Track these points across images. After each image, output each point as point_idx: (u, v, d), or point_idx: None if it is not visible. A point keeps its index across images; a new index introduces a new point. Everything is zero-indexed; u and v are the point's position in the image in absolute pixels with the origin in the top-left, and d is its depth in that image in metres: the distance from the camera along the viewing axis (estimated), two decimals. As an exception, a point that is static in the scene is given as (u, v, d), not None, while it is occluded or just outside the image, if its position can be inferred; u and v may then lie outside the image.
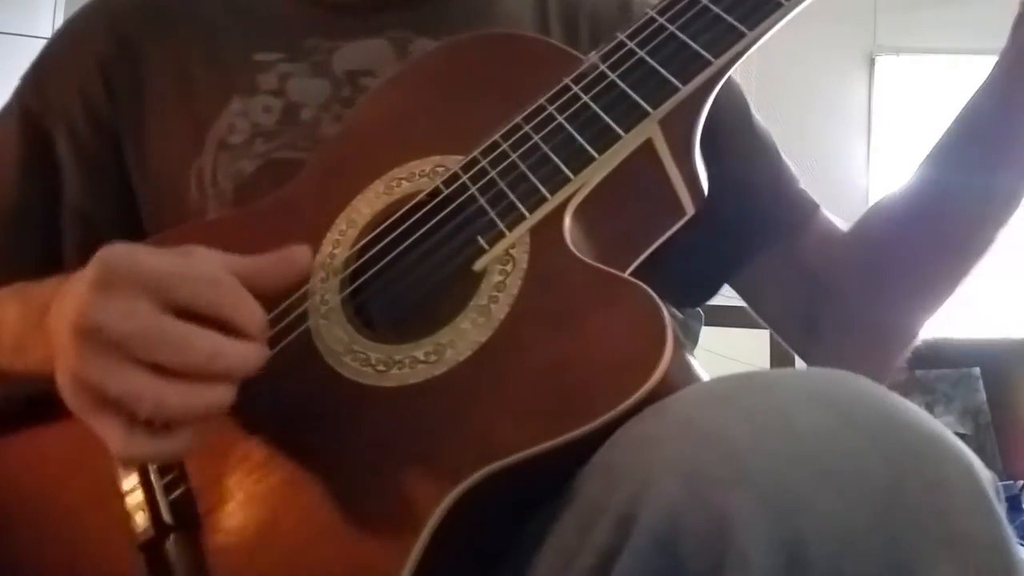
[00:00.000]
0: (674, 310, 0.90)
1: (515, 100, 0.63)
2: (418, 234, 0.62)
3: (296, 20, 0.79)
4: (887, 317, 0.82)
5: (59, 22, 3.00)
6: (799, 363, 2.52)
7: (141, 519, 0.58)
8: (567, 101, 0.62)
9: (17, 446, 0.68)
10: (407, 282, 0.62)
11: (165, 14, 0.81)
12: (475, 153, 0.62)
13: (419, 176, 0.64)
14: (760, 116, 0.87)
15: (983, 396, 2.00)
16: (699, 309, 0.94)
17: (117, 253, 0.53)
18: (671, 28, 0.61)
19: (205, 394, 0.51)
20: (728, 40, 0.60)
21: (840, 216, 0.89)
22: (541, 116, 0.62)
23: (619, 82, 0.61)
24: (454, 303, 0.57)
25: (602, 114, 0.60)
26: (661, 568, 0.42)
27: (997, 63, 0.73)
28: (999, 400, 2.00)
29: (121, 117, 0.78)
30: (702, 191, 0.62)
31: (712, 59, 0.60)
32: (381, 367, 0.57)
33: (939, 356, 2.05)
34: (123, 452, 0.51)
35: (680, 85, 0.60)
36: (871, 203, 0.90)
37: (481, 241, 0.59)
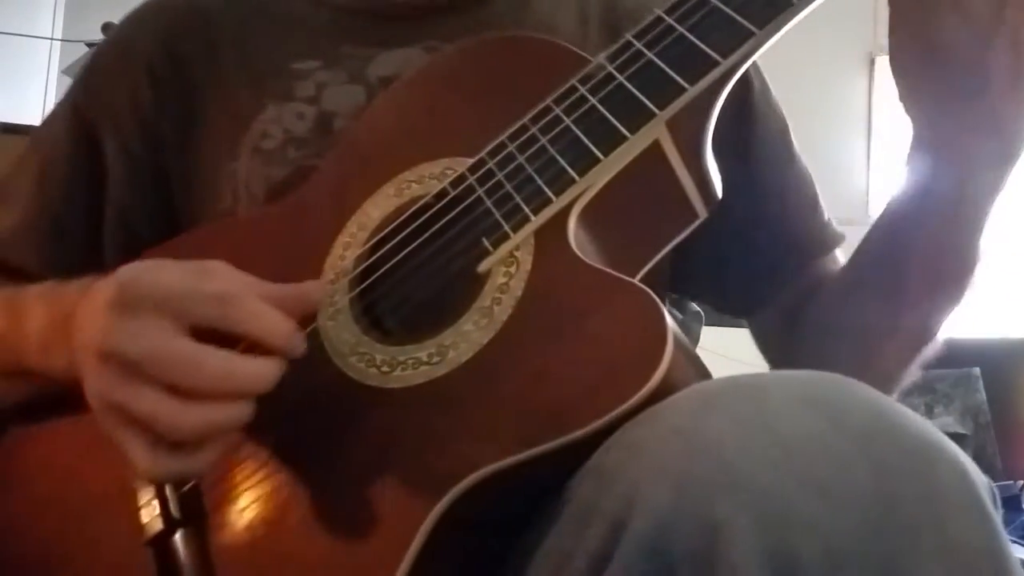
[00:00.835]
0: (674, 311, 0.90)
1: (524, 102, 0.63)
2: (425, 236, 0.62)
3: (334, 29, 0.80)
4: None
5: (59, 22, 3.01)
6: (799, 363, 2.49)
7: (151, 514, 0.58)
8: (574, 102, 0.61)
9: (38, 440, 0.70)
10: (414, 283, 0.62)
11: (211, 22, 0.82)
12: (482, 154, 0.62)
13: (428, 178, 0.65)
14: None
15: (983, 396, 2.00)
16: (699, 309, 0.94)
17: (134, 273, 0.55)
18: (680, 28, 0.60)
19: (219, 413, 0.52)
20: (737, 40, 0.59)
21: (840, 216, 0.88)
22: (548, 117, 0.62)
23: (626, 83, 0.61)
24: (459, 304, 0.57)
25: (608, 115, 0.59)
26: (650, 574, 0.42)
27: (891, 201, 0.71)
28: (999, 400, 2.00)
29: (167, 122, 0.80)
30: (715, 194, 0.62)
31: (720, 59, 0.59)
32: (385, 368, 0.57)
33: (939, 356, 2.05)
34: (145, 471, 0.53)
35: (687, 86, 0.59)
36: (871, 203, 0.90)
37: (486, 243, 0.59)
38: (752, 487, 0.41)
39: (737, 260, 0.81)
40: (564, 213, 0.58)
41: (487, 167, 0.62)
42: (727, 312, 0.88)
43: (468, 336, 0.55)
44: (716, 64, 0.59)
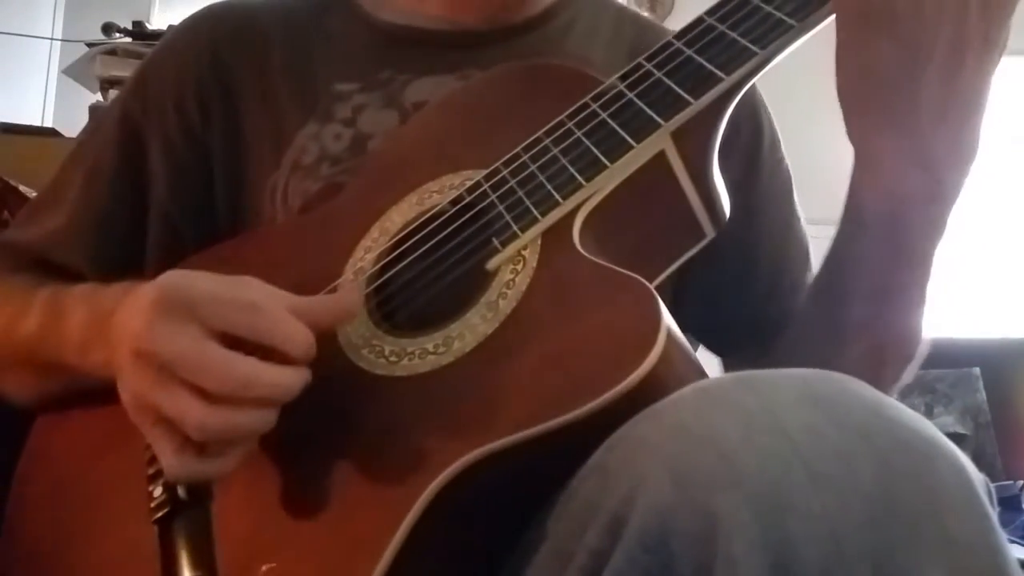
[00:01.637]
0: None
1: (542, 120, 0.66)
2: (440, 237, 0.65)
3: (377, 53, 0.83)
4: None
5: (59, 22, 3.01)
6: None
7: (159, 495, 0.60)
8: (586, 117, 0.65)
9: (65, 424, 0.74)
10: (427, 280, 0.64)
11: (263, 36, 0.84)
12: (497, 164, 0.66)
13: (449, 188, 0.68)
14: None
15: (983, 396, 2.00)
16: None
17: (173, 280, 0.58)
18: (688, 52, 0.64)
19: (244, 418, 0.54)
20: (740, 59, 0.62)
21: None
22: (561, 131, 0.65)
23: (636, 100, 0.64)
24: (468, 299, 0.60)
25: (617, 128, 0.63)
26: (651, 568, 0.42)
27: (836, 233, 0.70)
28: (999, 400, 2.00)
29: (213, 133, 0.82)
30: (722, 212, 0.65)
31: (724, 76, 0.62)
32: (393, 358, 0.60)
33: (939, 356, 2.05)
34: (171, 470, 0.55)
35: (692, 100, 0.62)
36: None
37: (496, 242, 0.62)
38: (752, 480, 0.41)
39: (726, 307, 0.83)
40: (571, 216, 0.60)
41: (501, 175, 0.65)
42: (705, 346, 0.88)
43: (474, 328, 0.58)
44: (720, 80, 0.62)
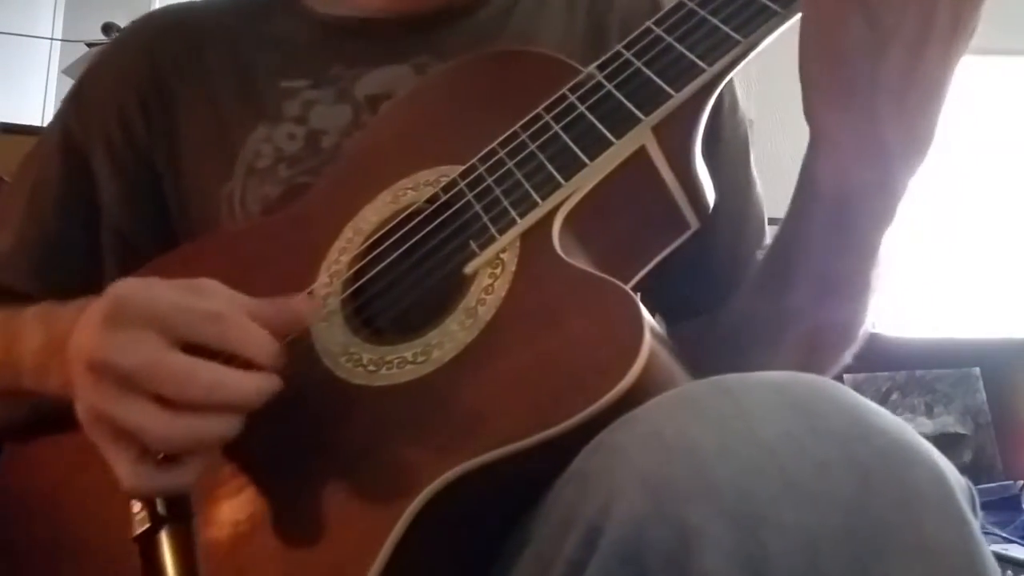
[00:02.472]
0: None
1: (518, 111, 0.64)
2: (416, 239, 0.63)
3: (322, 48, 0.81)
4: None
5: (59, 22, 3.01)
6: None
7: (138, 511, 0.59)
8: (563, 110, 0.62)
9: (37, 452, 0.71)
10: (404, 285, 0.63)
11: (197, 39, 0.83)
12: (473, 161, 0.63)
13: (424, 185, 0.66)
14: (760, 116, 0.87)
15: (983, 396, 2.00)
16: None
17: (126, 289, 0.56)
18: (668, 39, 0.61)
19: (209, 426, 0.53)
20: (723, 48, 0.60)
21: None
22: (538, 125, 0.63)
23: (614, 91, 0.62)
24: (447, 305, 0.58)
25: (596, 122, 0.60)
26: None
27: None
28: (999, 400, 2.00)
29: (157, 141, 0.80)
30: (706, 203, 0.63)
31: (705, 67, 0.60)
32: (372, 367, 0.58)
33: (939, 356, 2.05)
34: (128, 484, 0.53)
35: (673, 92, 0.60)
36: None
37: (473, 245, 0.60)
38: (726, 492, 0.41)
39: (683, 275, 0.80)
40: (550, 217, 0.59)
41: (478, 172, 0.63)
42: (659, 312, 0.87)
43: (453, 336, 0.56)
44: (701, 71, 0.60)
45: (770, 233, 0.81)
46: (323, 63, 0.80)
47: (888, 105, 0.58)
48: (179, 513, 0.57)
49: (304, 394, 0.58)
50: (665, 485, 0.42)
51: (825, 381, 0.46)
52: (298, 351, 0.59)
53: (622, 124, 0.60)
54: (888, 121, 0.59)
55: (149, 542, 0.57)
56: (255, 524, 0.57)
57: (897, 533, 0.40)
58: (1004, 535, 1.57)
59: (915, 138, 0.61)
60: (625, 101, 0.61)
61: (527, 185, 0.60)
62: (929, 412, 2.00)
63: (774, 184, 0.88)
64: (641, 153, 0.60)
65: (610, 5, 0.83)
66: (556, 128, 0.62)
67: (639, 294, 0.56)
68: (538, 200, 0.59)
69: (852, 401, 0.45)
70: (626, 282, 0.60)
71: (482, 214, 0.61)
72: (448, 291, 0.59)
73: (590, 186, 0.59)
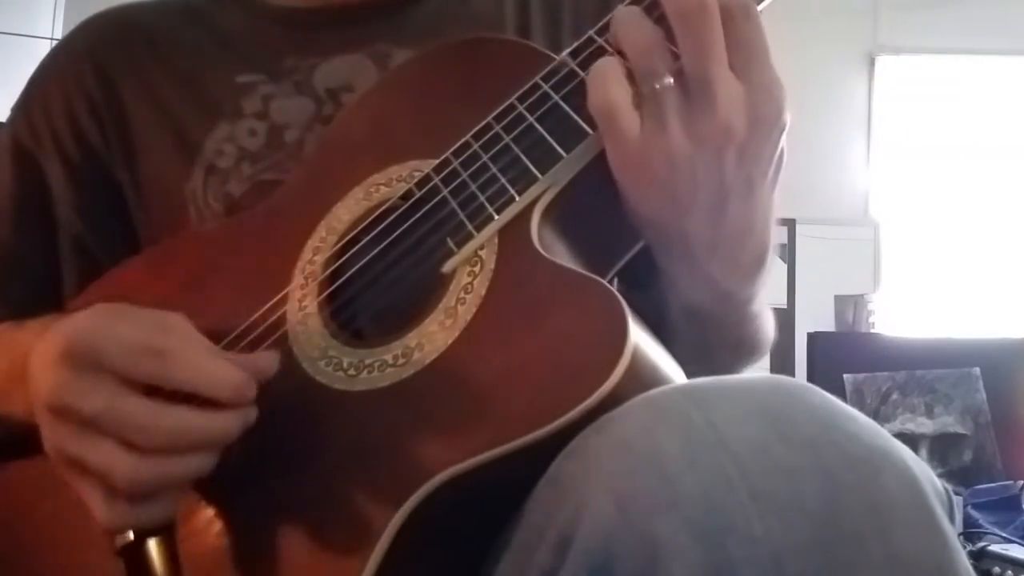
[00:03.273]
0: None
1: (492, 101, 0.62)
2: (392, 237, 0.62)
3: (275, 41, 0.79)
4: None
5: (59, 22, 3.01)
6: (798, 361, 2.51)
7: None
8: (537, 100, 0.60)
9: (8, 471, 0.69)
10: (382, 285, 0.62)
11: (145, 41, 0.81)
12: (447, 155, 0.62)
13: (397, 181, 0.64)
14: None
15: (983, 396, 2.00)
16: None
17: (81, 329, 0.54)
18: (649, 21, 0.58)
19: (177, 466, 0.52)
20: None
21: (840, 216, 0.88)
22: (511, 116, 0.61)
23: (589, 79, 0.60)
24: (426, 305, 0.57)
25: (571, 112, 0.58)
26: None
27: None
28: (999, 400, 2.00)
29: (112, 147, 0.79)
30: None
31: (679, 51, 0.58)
32: (352, 371, 0.57)
33: (939, 356, 2.05)
34: (104, 521, 0.53)
35: None
36: (871, 203, 0.90)
37: (451, 243, 0.59)
38: (692, 502, 0.40)
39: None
40: (527, 212, 0.57)
41: (452, 167, 0.61)
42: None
43: (433, 337, 0.55)
44: (678, 59, 0.57)
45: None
46: (276, 55, 0.78)
47: (704, 251, 0.59)
48: (163, 524, 0.56)
49: (284, 400, 0.57)
50: (632, 496, 0.41)
51: (800, 385, 0.45)
52: (276, 356, 0.58)
53: None
54: (709, 262, 0.60)
55: (135, 555, 0.56)
56: (239, 534, 0.56)
57: (866, 544, 0.40)
58: (1004, 535, 1.57)
59: (739, 265, 0.62)
60: None
61: (503, 180, 0.59)
62: (929, 412, 2.00)
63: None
64: None
65: None
66: (531, 119, 0.60)
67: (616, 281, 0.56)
68: (515, 196, 0.58)
69: (825, 406, 0.44)
70: (609, 270, 0.60)
71: (458, 210, 0.59)
72: (427, 290, 0.58)
73: (568, 178, 0.58)
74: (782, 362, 2.89)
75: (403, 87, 0.72)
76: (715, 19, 0.53)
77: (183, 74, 0.79)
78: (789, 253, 3.27)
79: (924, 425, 1.99)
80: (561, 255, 0.57)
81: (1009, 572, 1.43)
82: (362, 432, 0.55)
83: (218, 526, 0.57)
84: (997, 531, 1.59)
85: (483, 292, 0.56)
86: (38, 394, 0.54)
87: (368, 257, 0.62)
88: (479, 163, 0.60)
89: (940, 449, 1.97)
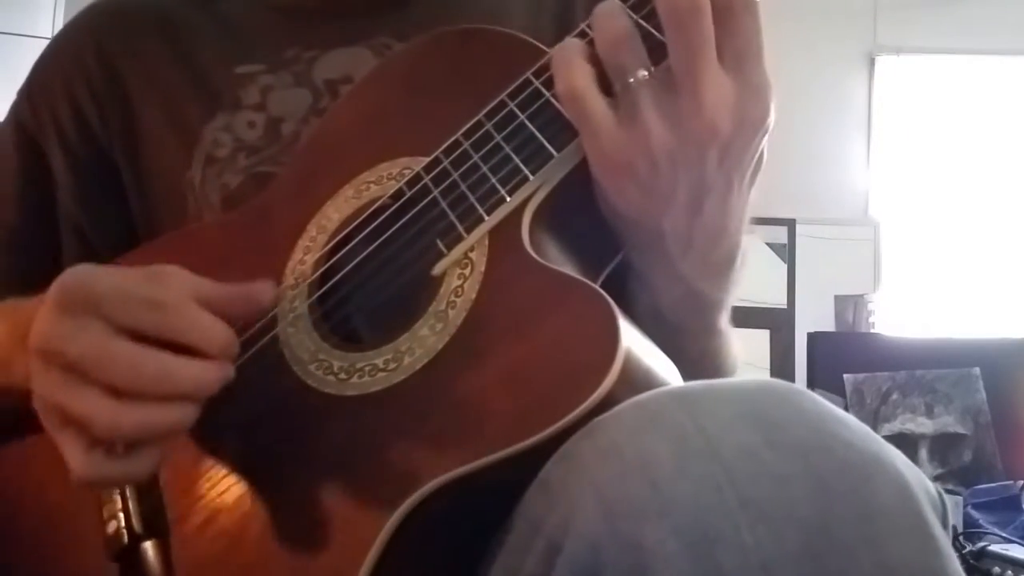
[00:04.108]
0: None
1: (482, 96, 0.61)
2: (382, 238, 0.61)
3: (277, 31, 0.79)
4: None
5: (59, 22, 3.00)
6: (798, 362, 2.51)
7: (114, 528, 0.58)
8: (528, 97, 0.60)
9: (5, 453, 0.69)
10: (372, 287, 0.61)
11: (150, 25, 0.81)
12: (437, 153, 0.61)
13: (387, 179, 0.64)
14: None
15: (983, 396, 2.00)
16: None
17: (73, 277, 0.55)
18: (634, 16, 0.58)
19: (159, 415, 0.51)
20: None
21: (840, 216, 0.88)
22: (502, 113, 0.60)
23: None
24: (416, 308, 0.57)
25: (562, 109, 0.58)
26: None
27: None
28: (999, 400, 2.00)
29: (113, 134, 0.79)
30: None
31: None
32: (343, 375, 0.57)
33: (939, 356, 2.05)
34: (79, 473, 0.52)
35: None
36: (871, 203, 0.90)
37: (440, 245, 0.58)
38: (681, 509, 0.40)
39: None
40: (518, 212, 0.57)
41: (442, 166, 0.61)
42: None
43: (424, 341, 0.55)
44: (667, 55, 0.57)
45: (768, 232, 0.81)
46: (278, 46, 0.78)
47: (679, 248, 0.59)
48: (156, 528, 0.56)
49: (275, 403, 0.57)
50: (621, 503, 0.41)
51: (792, 389, 0.45)
52: (266, 358, 0.59)
53: None
54: (683, 259, 0.60)
55: (130, 559, 0.56)
56: (235, 536, 0.56)
57: (857, 552, 0.39)
58: (1004, 535, 1.57)
59: (711, 265, 0.62)
60: None
61: (493, 180, 0.58)
62: (929, 412, 2.00)
63: (772, 183, 0.88)
64: None
65: None
66: (522, 117, 0.59)
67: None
68: (506, 196, 0.57)
69: (816, 411, 0.43)
70: (601, 272, 0.60)
71: (448, 211, 0.59)
72: (417, 293, 0.58)
73: (559, 178, 0.57)
74: (782, 362, 2.89)
75: (392, 80, 0.71)
76: (707, 17, 0.53)
77: (186, 60, 0.79)
78: (789, 253, 3.27)
79: (924, 425, 1.99)
80: (552, 256, 0.56)
81: (1009, 572, 1.43)
82: (353, 437, 0.55)
83: (210, 530, 0.57)
84: (997, 531, 1.59)
85: (473, 296, 0.55)
86: (31, 342, 0.54)
87: (358, 258, 0.61)
88: (469, 162, 0.59)
89: (940, 449, 1.97)
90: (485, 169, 0.59)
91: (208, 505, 0.57)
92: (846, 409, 1.25)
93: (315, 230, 0.64)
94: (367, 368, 0.56)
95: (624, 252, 0.62)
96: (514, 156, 0.58)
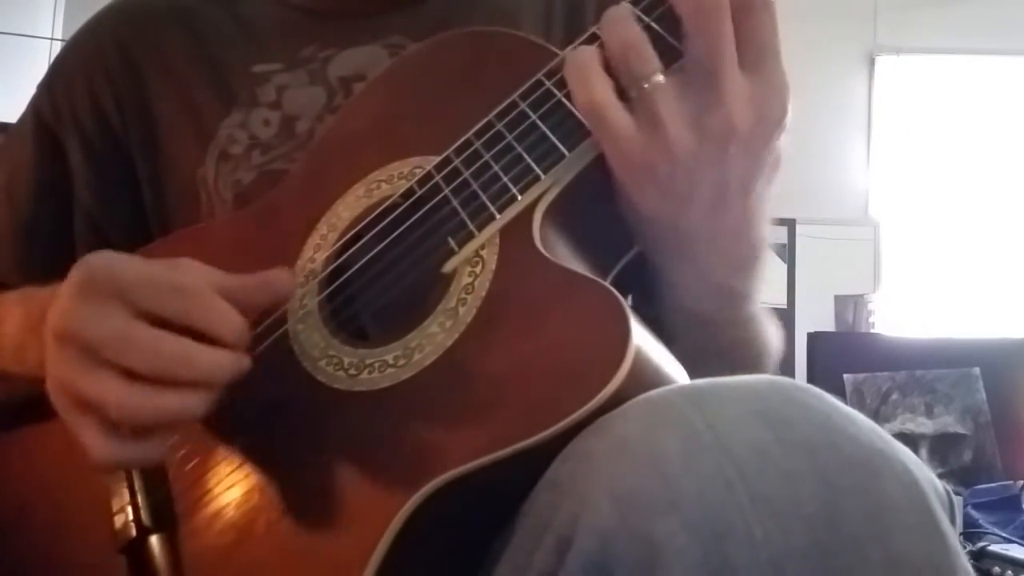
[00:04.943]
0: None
1: (494, 96, 0.62)
2: (393, 236, 0.62)
3: (294, 31, 0.80)
4: None
5: (59, 22, 3.01)
6: (798, 362, 2.50)
7: (122, 521, 0.58)
8: (539, 98, 0.60)
9: (14, 444, 0.69)
10: (382, 284, 0.62)
11: (166, 29, 0.82)
12: (448, 152, 0.61)
13: (398, 178, 0.64)
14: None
15: (983, 396, 2.00)
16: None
17: (97, 261, 0.55)
18: (646, 19, 0.58)
19: (174, 400, 0.52)
20: None
21: (840, 216, 0.88)
22: (514, 113, 0.60)
23: None
24: (427, 305, 0.57)
25: (574, 110, 0.58)
26: None
27: None
28: (999, 400, 2.00)
29: (130, 128, 0.80)
30: None
31: (684, 50, 0.57)
32: (352, 371, 0.57)
33: (939, 356, 2.05)
34: (94, 455, 0.52)
35: None
36: (871, 203, 0.90)
37: (451, 242, 0.58)
38: (691, 504, 0.40)
39: None
40: (529, 211, 0.57)
41: (453, 165, 0.61)
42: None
43: (434, 338, 0.55)
44: (680, 56, 0.57)
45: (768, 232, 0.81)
46: (295, 45, 0.79)
47: (704, 244, 0.60)
48: (164, 521, 0.57)
49: (285, 398, 0.57)
50: (631, 497, 0.41)
51: (799, 386, 0.45)
52: (277, 354, 0.59)
53: None
54: (708, 255, 0.60)
55: (137, 552, 0.56)
56: (243, 530, 0.56)
57: (865, 547, 0.39)
58: (1004, 535, 1.57)
59: (736, 260, 0.62)
60: None
61: (505, 178, 0.58)
62: (929, 412, 2.00)
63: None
64: None
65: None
66: (533, 117, 0.59)
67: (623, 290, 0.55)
68: (517, 195, 0.57)
69: (824, 408, 0.44)
70: (611, 270, 0.60)
71: (459, 209, 0.59)
72: (427, 290, 0.58)
73: (570, 177, 0.57)
74: (782, 362, 2.89)
75: (404, 81, 0.72)
76: (728, 15, 0.53)
77: (204, 58, 0.80)
78: (789, 253, 3.27)
79: (924, 425, 1.99)
80: (563, 255, 0.56)
81: (1009, 572, 1.43)
82: (362, 433, 0.55)
83: (219, 524, 0.57)
84: (997, 531, 1.59)
85: (483, 293, 0.55)
86: (50, 324, 0.54)
87: (369, 256, 0.62)
88: (481, 162, 0.60)
89: (940, 449, 1.97)
90: (496, 168, 0.59)
91: (216, 499, 0.57)
92: (846, 409, 1.25)
93: (326, 228, 0.65)
94: (377, 364, 0.56)
95: (646, 251, 0.62)
96: (525, 155, 0.58)
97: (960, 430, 1.98)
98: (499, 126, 0.60)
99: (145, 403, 0.51)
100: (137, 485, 0.59)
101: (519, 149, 0.59)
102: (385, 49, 0.78)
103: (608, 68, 0.56)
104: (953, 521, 0.44)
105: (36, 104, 0.83)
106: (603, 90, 0.55)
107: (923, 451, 1.96)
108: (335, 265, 0.63)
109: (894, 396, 2.00)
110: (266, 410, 0.55)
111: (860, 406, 1.99)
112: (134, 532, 0.57)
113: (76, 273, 0.54)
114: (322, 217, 0.65)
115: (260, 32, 0.81)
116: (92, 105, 0.80)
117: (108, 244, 0.77)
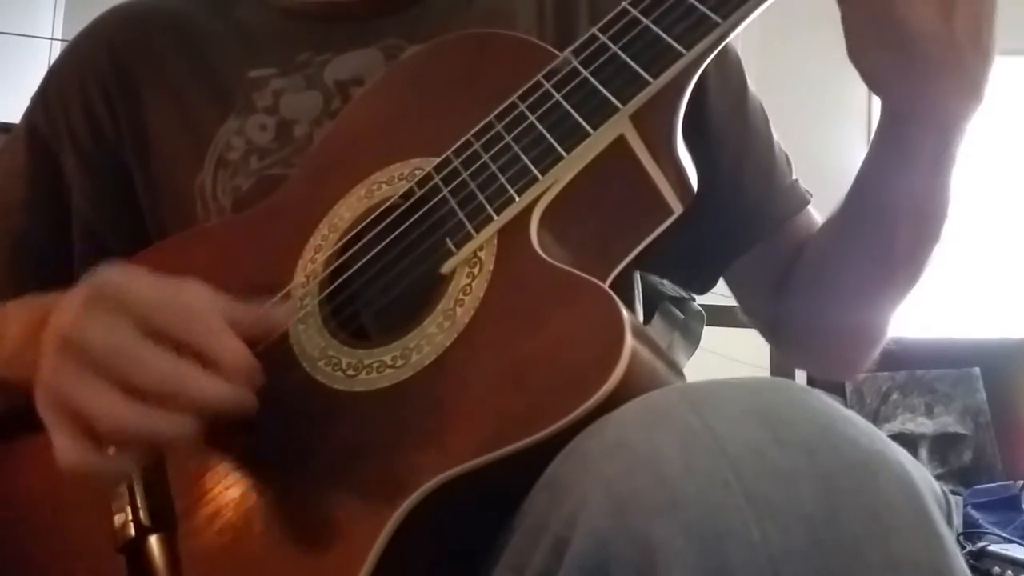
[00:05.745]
0: (675, 310, 0.90)
1: (493, 98, 0.62)
2: (392, 236, 0.62)
3: (289, 36, 0.80)
4: (830, 320, 0.82)
5: (59, 22, 3.01)
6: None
7: (121, 521, 0.58)
8: (539, 99, 0.60)
9: (13, 448, 0.69)
10: (381, 285, 0.62)
11: (153, 32, 0.82)
12: (448, 154, 0.62)
13: (398, 179, 0.64)
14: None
15: (983, 396, 2.00)
16: (702, 310, 0.94)
17: (108, 275, 0.56)
18: (645, 21, 0.59)
19: (160, 420, 0.52)
20: (701, 31, 0.58)
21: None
22: (513, 114, 0.61)
23: (590, 78, 0.60)
24: (425, 305, 0.57)
25: (572, 111, 0.58)
26: None
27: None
28: (999, 400, 2.00)
29: (124, 136, 0.79)
30: (690, 187, 0.60)
31: (684, 51, 0.58)
32: (351, 372, 0.57)
33: (939, 356, 2.05)
34: (63, 458, 0.52)
35: (650, 79, 0.58)
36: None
37: (450, 243, 0.59)
38: (689, 505, 0.40)
39: (691, 233, 0.76)
40: (527, 212, 0.57)
41: (452, 166, 0.61)
42: (695, 287, 0.88)
43: (432, 339, 0.55)
44: (680, 56, 0.58)
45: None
46: (290, 50, 0.79)
47: (966, 50, 0.64)
48: (163, 522, 0.57)
49: (283, 399, 0.57)
50: (629, 498, 0.41)
51: (797, 387, 0.45)
52: (276, 354, 0.59)
53: (599, 113, 0.58)
54: (970, 63, 0.66)
55: (137, 552, 0.56)
56: (240, 531, 0.56)
57: (864, 548, 0.39)
58: (1004, 535, 1.57)
59: (966, 71, 0.66)
60: (601, 88, 0.59)
61: (503, 179, 0.58)
62: (929, 412, 2.00)
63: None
64: (620, 143, 0.58)
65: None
66: (532, 118, 0.60)
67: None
68: (515, 196, 0.58)
69: (822, 409, 0.44)
70: (611, 271, 0.60)
71: (458, 210, 0.59)
72: (426, 291, 0.58)
73: (568, 178, 0.58)
74: (782, 362, 2.89)
75: (404, 83, 0.72)
76: None
77: (199, 65, 0.80)
78: (789, 253, 3.26)
79: (924, 425, 1.99)
80: (560, 256, 0.56)
81: (1009, 572, 1.43)
82: (360, 433, 0.55)
83: (218, 523, 0.57)
84: (997, 531, 1.59)
85: (481, 294, 0.56)
86: (54, 331, 0.54)
87: (368, 256, 0.62)
88: (479, 162, 0.60)
89: (940, 449, 1.97)
90: (495, 169, 0.59)
91: (215, 499, 0.57)
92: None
93: (327, 229, 0.65)
94: (375, 365, 0.57)
95: (906, 79, 0.66)
96: (524, 156, 0.59)
97: (960, 430, 1.98)
98: (498, 127, 0.61)
99: (136, 419, 0.51)
100: (136, 485, 0.59)
101: (517, 150, 0.59)
102: (381, 52, 0.78)
103: None
104: (950, 522, 0.44)
105: (30, 116, 0.83)
106: None
107: (923, 451, 1.96)
108: (335, 265, 0.63)
109: (894, 396, 2.00)
110: (264, 410, 0.55)
111: (860, 406, 2.00)
112: (133, 532, 0.57)
113: (87, 285, 0.55)
114: (323, 218, 0.66)
115: (255, 38, 0.81)
116: (86, 114, 0.80)
117: (107, 254, 0.76)
